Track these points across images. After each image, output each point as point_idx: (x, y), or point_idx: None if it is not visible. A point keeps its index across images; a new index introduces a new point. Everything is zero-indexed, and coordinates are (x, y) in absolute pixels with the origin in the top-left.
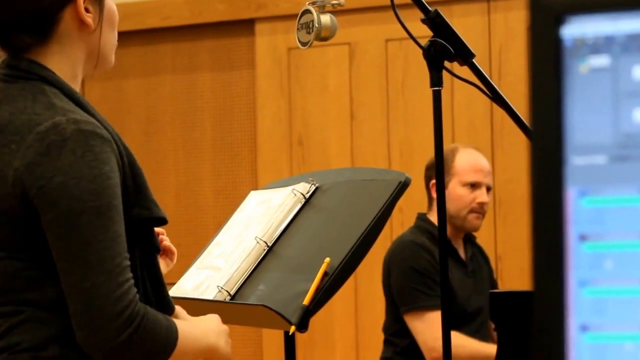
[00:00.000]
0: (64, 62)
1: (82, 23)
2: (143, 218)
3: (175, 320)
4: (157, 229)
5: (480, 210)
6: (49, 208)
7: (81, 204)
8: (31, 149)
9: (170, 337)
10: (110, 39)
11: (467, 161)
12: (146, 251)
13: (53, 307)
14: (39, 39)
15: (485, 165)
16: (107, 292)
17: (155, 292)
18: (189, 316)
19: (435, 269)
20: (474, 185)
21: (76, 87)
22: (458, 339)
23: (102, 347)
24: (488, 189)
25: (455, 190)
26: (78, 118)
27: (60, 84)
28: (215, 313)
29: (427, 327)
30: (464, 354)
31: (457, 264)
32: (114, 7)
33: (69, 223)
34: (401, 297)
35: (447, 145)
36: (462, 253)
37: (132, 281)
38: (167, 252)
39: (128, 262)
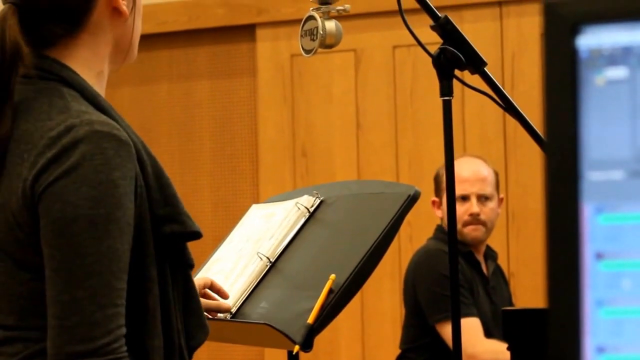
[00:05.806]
0: (92, 56)
1: (114, 12)
2: (176, 234)
3: None
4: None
5: (473, 221)
6: (43, 213)
7: (74, 210)
8: (41, 156)
9: None
10: (140, 29)
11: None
12: (178, 268)
13: None
14: (70, 29)
15: (471, 174)
16: (85, 312)
17: (188, 313)
18: None
19: (464, 277)
20: (464, 198)
21: (102, 84)
22: (495, 345)
23: None
24: (483, 197)
25: (446, 207)
26: (94, 119)
27: (80, 85)
28: (215, 332)
29: (463, 334)
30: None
31: (480, 279)
32: None
33: (59, 230)
34: (434, 306)
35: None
36: (484, 268)
37: (120, 309)
38: None
39: (122, 285)
